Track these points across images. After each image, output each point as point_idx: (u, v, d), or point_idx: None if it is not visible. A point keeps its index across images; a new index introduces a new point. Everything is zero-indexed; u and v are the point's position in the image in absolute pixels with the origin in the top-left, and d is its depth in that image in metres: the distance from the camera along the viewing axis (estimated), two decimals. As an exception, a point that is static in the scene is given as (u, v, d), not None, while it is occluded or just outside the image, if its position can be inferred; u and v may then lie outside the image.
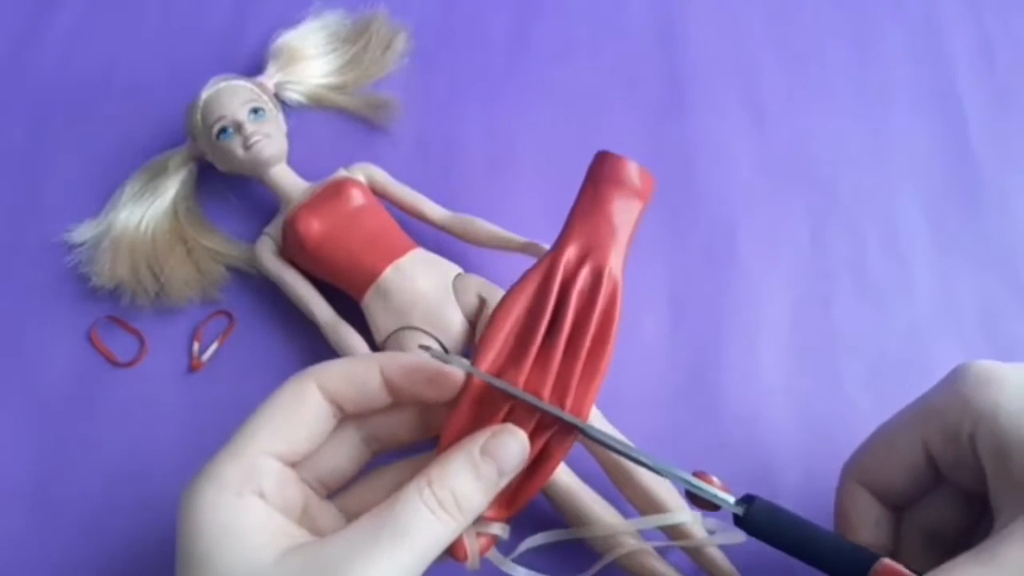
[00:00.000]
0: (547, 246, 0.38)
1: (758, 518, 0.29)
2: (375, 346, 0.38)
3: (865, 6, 0.50)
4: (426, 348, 0.29)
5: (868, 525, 0.30)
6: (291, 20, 0.47)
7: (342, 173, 0.41)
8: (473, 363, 0.28)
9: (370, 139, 0.46)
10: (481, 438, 0.27)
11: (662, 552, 0.35)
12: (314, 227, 0.38)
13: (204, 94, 0.41)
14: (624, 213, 0.30)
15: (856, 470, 0.31)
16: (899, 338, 0.41)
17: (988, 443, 0.26)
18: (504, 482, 0.27)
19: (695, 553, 0.34)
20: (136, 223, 0.42)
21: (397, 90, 0.47)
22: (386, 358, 0.28)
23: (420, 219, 0.41)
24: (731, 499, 0.29)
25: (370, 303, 0.38)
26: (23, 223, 0.44)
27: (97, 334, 0.41)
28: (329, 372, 0.28)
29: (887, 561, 0.26)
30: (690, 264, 0.43)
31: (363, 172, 0.42)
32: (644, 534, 0.35)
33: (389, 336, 0.38)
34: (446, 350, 0.37)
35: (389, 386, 0.28)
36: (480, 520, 0.27)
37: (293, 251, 0.40)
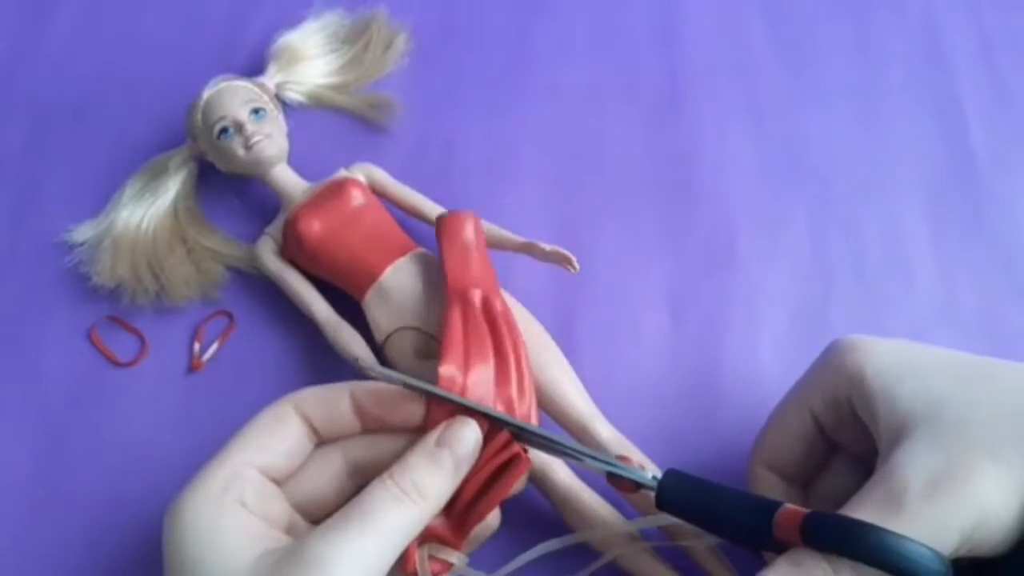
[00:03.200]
0: (546, 246, 0.39)
1: (671, 490, 0.30)
2: (375, 346, 0.38)
3: (865, 6, 0.50)
4: (356, 360, 0.34)
5: (765, 487, 0.32)
6: (291, 20, 0.47)
7: (342, 173, 0.41)
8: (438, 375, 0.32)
9: (370, 139, 0.46)
10: (435, 433, 0.29)
11: (660, 552, 0.35)
12: (315, 227, 0.38)
13: (205, 94, 0.41)
14: (478, 251, 0.37)
15: (759, 453, 0.33)
16: (899, 337, 0.41)
17: (861, 401, 0.29)
18: (462, 470, 0.29)
19: (694, 553, 0.34)
20: (136, 223, 0.42)
21: (397, 90, 0.47)
22: (358, 384, 0.30)
23: (420, 219, 0.41)
24: (648, 475, 0.30)
25: (370, 303, 0.38)
26: (23, 223, 0.44)
27: (97, 334, 0.41)
28: (304, 396, 0.30)
29: (788, 506, 0.27)
30: (690, 264, 0.43)
31: (363, 172, 0.42)
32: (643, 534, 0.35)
33: (389, 336, 0.38)
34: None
35: (358, 411, 0.30)
36: (436, 544, 0.30)
37: (293, 251, 0.40)
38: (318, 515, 0.30)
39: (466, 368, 0.33)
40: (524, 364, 0.35)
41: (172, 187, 0.43)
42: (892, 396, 0.28)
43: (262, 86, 0.43)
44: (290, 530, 0.29)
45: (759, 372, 0.40)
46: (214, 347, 0.40)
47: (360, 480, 0.30)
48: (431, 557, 0.30)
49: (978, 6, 0.50)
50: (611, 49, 0.49)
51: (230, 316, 0.41)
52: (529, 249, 0.39)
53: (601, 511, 0.35)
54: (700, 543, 0.34)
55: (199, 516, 0.27)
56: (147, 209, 0.42)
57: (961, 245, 0.43)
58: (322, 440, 0.30)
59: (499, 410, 0.33)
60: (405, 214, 0.42)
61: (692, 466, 0.36)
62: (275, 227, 0.41)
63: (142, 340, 0.41)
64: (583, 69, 0.48)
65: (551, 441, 0.30)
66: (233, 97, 0.41)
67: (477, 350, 0.34)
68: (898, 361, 0.29)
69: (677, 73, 0.48)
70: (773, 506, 0.28)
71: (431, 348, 0.37)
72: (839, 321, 0.41)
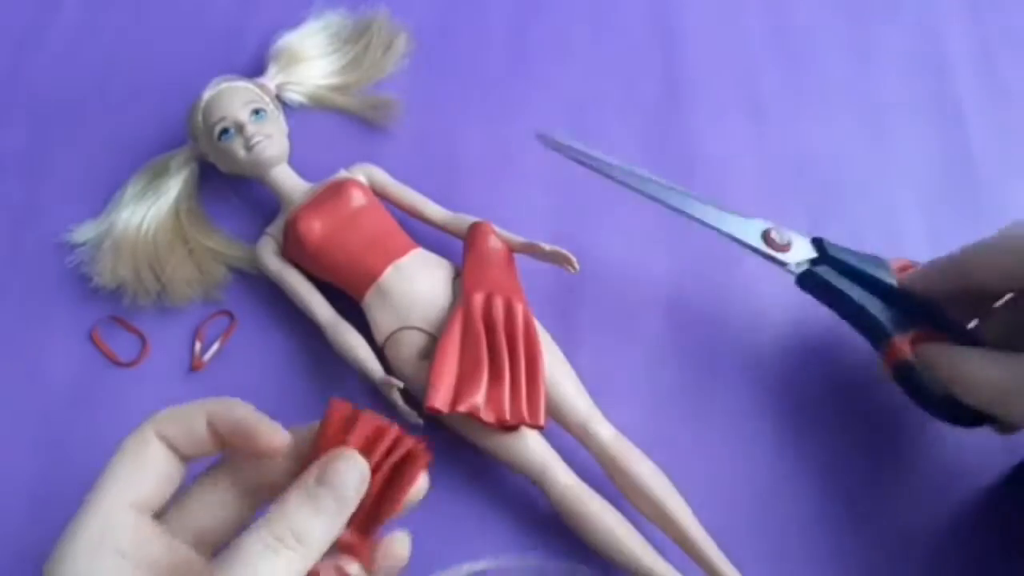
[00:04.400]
0: (546, 246, 0.39)
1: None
2: (375, 346, 0.38)
3: (864, 6, 0.50)
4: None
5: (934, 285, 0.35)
6: (292, 21, 0.47)
7: (343, 174, 0.42)
8: (425, 399, 0.34)
9: (370, 139, 0.46)
10: (316, 469, 0.26)
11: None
12: (315, 227, 0.39)
13: (205, 95, 0.41)
14: (500, 258, 0.39)
15: (962, 253, 0.34)
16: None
17: None
18: (347, 510, 0.25)
19: (695, 553, 0.34)
20: (138, 223, 0.42)
21: (397, 91, 0.47)
22: (216, 406, 0.27)
23: (420, 219, 0.41)
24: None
25: (370, 303, 0.38)
26: (24, 223, 0.44)
27: (99, 334, 0.41)
28: (162, 417, 0.27)
29: (895, 340, 0.35)
30: (690, 264, 0.43)
31: (364, 172, 0.42)
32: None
33: (389, 336, 0.38)
34: None
35: (214, 436, 0.27)
36: (340, 553, 0.27)
37: (294, 251, 0.40)
38: (215, 542, 0.27)
39: (458, 384, 0.35)
40: (526, 365, 0.36)
41: (173, 187, 0.43)
42: None
43: (263, 87, 0.43)
44: (179, 568, 0.26)
45: (759, 372, 0.40)
46: (215, 347, 0.40)
47: (254, 501, 0.28)
48: (337, 568, 0.27)
49: (978, 6, 0.50)
50: (611, 49, 0.49)
51: (231, 316, 0.41)
52: (529, 249, 0.39)
53: (602, 510, 0.35)
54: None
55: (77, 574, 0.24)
56: (148, 209, 0.42)
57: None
58: (187, 461, 0.28)
59: (488, 411, 0.35)
60: (405, 214, 0.42)
61: (691, 466, 0.37)
62: (276, 227, 0.41)
63: (143, 340, 0.41)
64: (583, 69, 0.48)
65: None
66: (234, 98, 0.41)
67: (472, 364, 0.35)
68: None
69: (677, 73, 0.48)
70: (885, 335, 0.35)
71: (431, 348, 0.37)
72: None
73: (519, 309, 0.37)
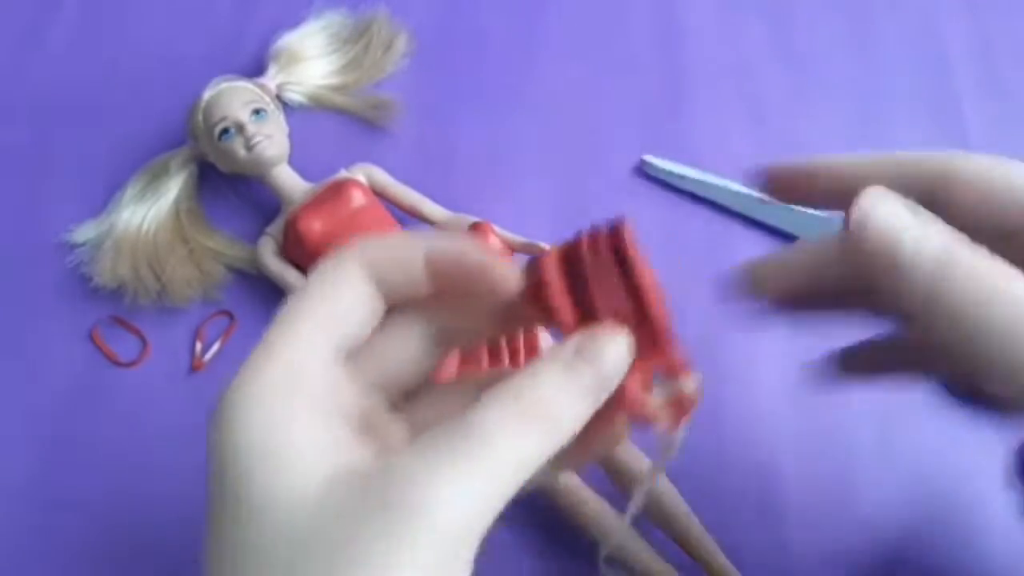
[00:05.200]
0: (546, 246, 0.39)
1: None
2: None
3: (864, 5, 0.50)
4: None
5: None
6: (292, 21, 0.47)
7: (343, 174, 0.42)
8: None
9: (370, 139, 0.46)
10: (574, 340, 0.21)
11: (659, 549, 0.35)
12: (315, 227, 0.39)
13: (206, 95, 0.41)
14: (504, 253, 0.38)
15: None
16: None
17: None
18: (605, 390, 0.21)
19: (695, 551, 0.34)
20: (138, 223, 0.42)
21: (397, 91, 0.47)
22: (438, 242, 0.23)
23: (420, 219, 0.41)
24: None
25: (371, 303, 0.38)
26: (25, 223, 0.44)
27: (99, 334, 0.41)
28: (372, 246, 0.23)
29: None
30: (690, 263, 0.43)
31: (364, 172, 0.42)
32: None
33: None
34: None
35: (434, 275, 0.23)
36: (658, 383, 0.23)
37: (294, 251, 0.40)
38: (400, 388, 0.24)
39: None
40: (525, 363, 0.35)
41: (173, 187, 0.43)
42: None
43: (263, 87, 0.43)
44: (369, 421, 0.22)
45: (759, 372, 0.40)
46: (215, 347, 0.40)
47: (449, 343, 0.24)
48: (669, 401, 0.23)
49: (978, 6, 0.50)
50: (611, 48, 0.49)
51: (231, 316, 0.41)
52: (529, 249, 0.39)
53: (601, 509, 0.35)
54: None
55: (252, 428, 0.20)
56: (148, 209, 0.42)
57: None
58: (391, 305, 0.23)
59: None
60: (406, 214, 0.42)
61: (691, 466, 0.37)
62: (276, 227, 0.41)
63: (143, 340, 0.41)
64: (583, 69, 0.48)
65: None
66: (234, 98, 0.41)
67: (471, 363, 0.35)
68: None
69: (677, 72, 0.48)
70: None
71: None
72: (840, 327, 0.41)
73: None
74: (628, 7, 0.50)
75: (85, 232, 0.43)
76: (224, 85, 0.42)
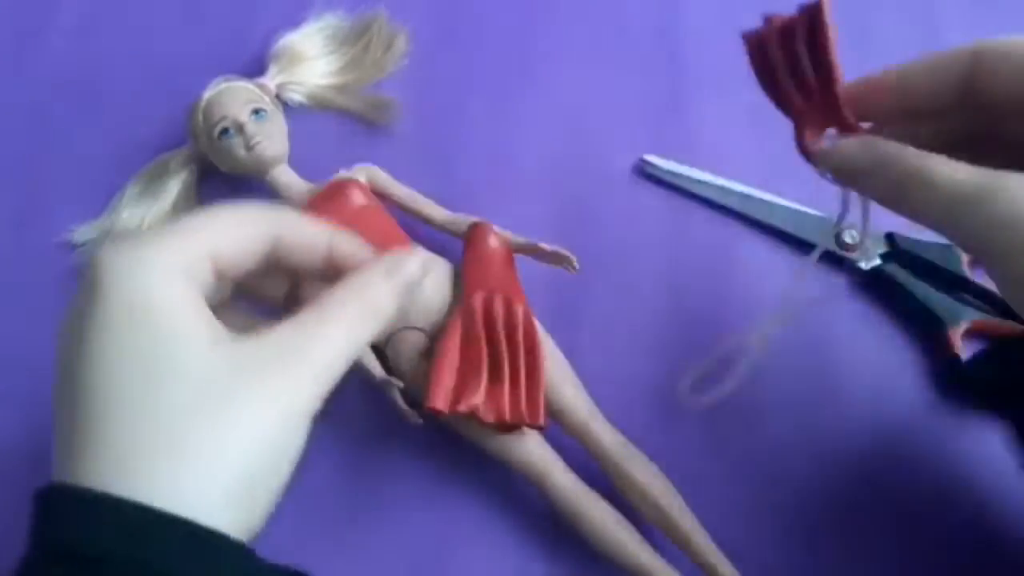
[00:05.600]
0: (546, 246, 0.39)
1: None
2: (375, 346, 0.38)
3: (865, 6, 0.50)
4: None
5: (932, 77, 0.29)
6: (292, 21, 0.47)
7: (343, 174, 0.42)
8: (425, 399, 0.34)
9: (370, 140, 0.46)
10: (388, 259, 0.29)
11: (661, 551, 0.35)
12: (315, 228, 0.39)
13: (205, 95, 0.41)
14: (500, 258, 0.39)
15: (979, 44, 0.28)
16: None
17: None
18: (411, 291, 0.29)
19: (694, 554, 0.34)
20: (138, 223, 0.42)
21: (397, 91, 0.47)
22: (339, 238, 0.29)
23: (420, 219, 0.41)
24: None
25: (371, 303, 0.38)
26: (25, 224, 0.44)
27: (99, 334, 0.41)
28: (285, 222, 0.28)
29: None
30: (690, 263, 0.43)
31: (364, 173, 0.42)
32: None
33: (389, 336, 0.38)
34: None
35: (329, 262, 0.29)
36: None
37: (294, 252, 0.40)
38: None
39: (458, 384, 0.35)
40: (526, 365, 0.36)
41: (173, 188, 0.43)
42: None
43: (263, 87, 0.43)
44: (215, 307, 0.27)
45: (757, 372, 0.40)
46: (215, 347, 0.40)
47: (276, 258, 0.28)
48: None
49: (978, 6, 0.50)
50: (611, 49, 0.49)
51: (231, 316, 0.41)
52: (529, 249, 0.39)
53: (602, 511, 0.35)
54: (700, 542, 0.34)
55: (161, 275, 0.24)
56: (148, 210, 0.42)
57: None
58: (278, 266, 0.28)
59: (488, 411, 0.35)
60: (406, 215, 0.42)
61: (692, 467, 0.37)
62: (276, 228, 0.41)
63: (144, 340, 0.41)
64: (583, 69, 0.48)
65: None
66: (234, 98, 0.41)
67: (472, 364, 0.35)
68: None
69: (677, 73, 0.48)
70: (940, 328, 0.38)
71: (431, 348, 0.37)
72: (839, 321, 0.41)
73: (519, 309, 0.37)
74: (628, 7, 0.50)
75: (85, 232, 0.43)
76: (224, 85, 0.42)
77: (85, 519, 0.22)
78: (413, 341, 0.37)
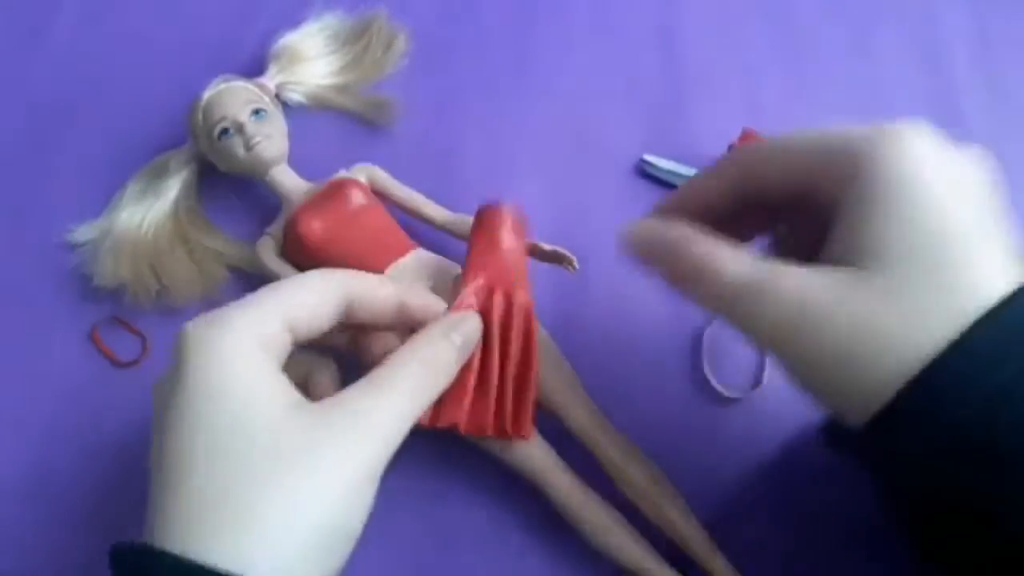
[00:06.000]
0: (546, 246, 0.39)
1: None
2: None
3: (865, 6, 0.50)
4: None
5: (710, 189, 0.31)
6: (292, 21, 0.47)
7: (343, 173, 0.42)
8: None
9: (370, 140, 0.46)
10: (448, 318, 0.32)
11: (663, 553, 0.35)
12: (315, 228, 0.38)
13: (205, 95, 0.41)
14: (515, 250, 0.36)
15: (744, 155, 0.30)
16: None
17: (864, 190, 0.26)
18: (469, 347, 0.32)
19: (696, 555, 0.34)
20: (137, 223, 0.42)
21: (397, 91, 0.47)
22: (408, 295, 0.31)
23: (421, 219, 0.41)
24: None
25: (371, 303, 0.38)
26: (24, 224, 0.44)
27: (99, 334, 0.41)
28: (354, 283, 0.30)
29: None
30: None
31: (364, 172, 0.42)
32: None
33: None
34: None
35: (398, 318, 0.31)
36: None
37: (294, 251, 0.40)
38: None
39: (444, 396, 0.32)
40: (518, 370, 0.35)
41: (173, 187, 0.43)
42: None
43: (262, 87, 0.43)
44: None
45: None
46: (215, 347, 0.40)
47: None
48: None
49: (978, 6, 0.50)
50: (611, 49, 0.49)
51: (231, 316, 0.41)
52: (529, 249, 0.39)
53: (602, 512, 0.35)
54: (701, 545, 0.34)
55: (235, 354, 0.26)
56: (148, 210, 0.42)
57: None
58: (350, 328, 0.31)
59: (470, 426, 0.34)
60: (406, 215, 0.42)
61: (693, 467, 0.37)
62: (276, 227, 0.41)
63: (144, 341, 0.41)
64: (583, 69, 0.48)
65: None
66: (233, 98, 0.41)
67: (461, 372, 0.33)
68: (931, 180, 0.26)
69: (677, 73, 0.48)
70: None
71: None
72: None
73: (519, 307, 0.35)
74: (628, 7, 0.50)
75: (85, 232, 0.42)
76: (224, 85, 0.42)
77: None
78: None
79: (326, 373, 0.31)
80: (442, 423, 0.33)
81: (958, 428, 0.23)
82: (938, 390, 0.23)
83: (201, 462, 0.24)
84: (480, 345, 0.34)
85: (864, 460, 0.27)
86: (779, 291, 0.26)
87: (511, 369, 0.34)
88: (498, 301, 0.35)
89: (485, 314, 0.34)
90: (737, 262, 0.27)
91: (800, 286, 0.26)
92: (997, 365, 0.23)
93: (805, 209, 0.29)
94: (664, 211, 0.31)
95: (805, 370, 0.26)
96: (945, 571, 0.28)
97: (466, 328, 0.32)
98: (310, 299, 0.29)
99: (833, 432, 0.28)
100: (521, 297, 0.35)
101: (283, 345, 0.28)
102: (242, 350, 0.26)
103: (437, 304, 0.32)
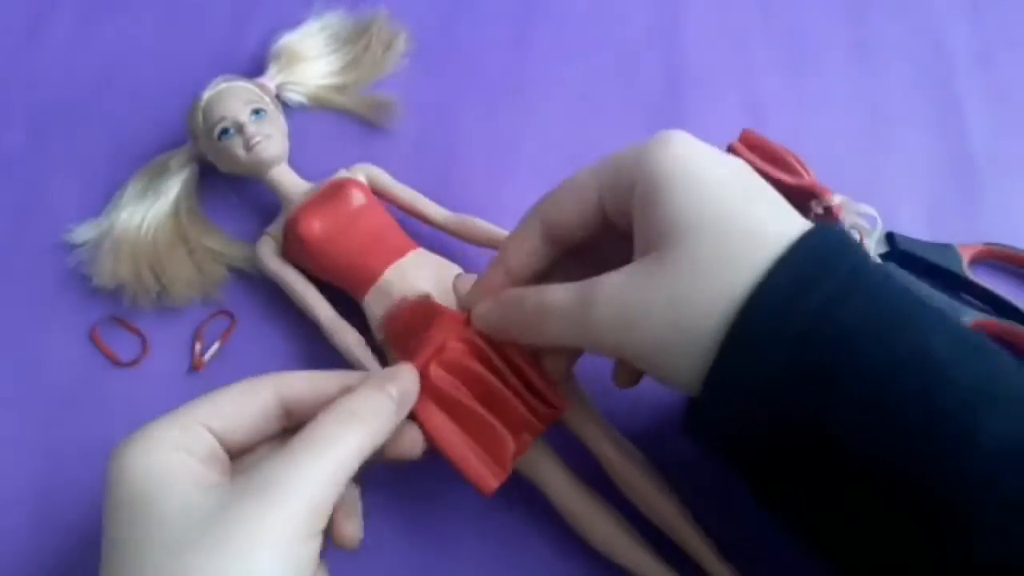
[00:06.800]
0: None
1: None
2: (375, 346, 0.38)
3: (865, 6, 0.50)
4: None
5: (522, 251, 0.33)
6: (292, 21, 0.47)
7: (343, 173, 0.42)
8: (477, 490, 0.32)
9: (370, 140, 0.46)
10: (381, 371, 0.31)
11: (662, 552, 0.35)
12: (315, 227, 0.38)
13: (205, 95, 0.41)
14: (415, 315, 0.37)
15: (539, 206, 0.33)
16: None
17: (641, 191, 0.29)
18: (406, 404, 0.30)
19: (694, 553, 0.34)
20: (137, 223, 0.42)
21: (397, 91, 0.47)
22: (347, 378, 0.30)
23: (420, 219, 0.41)
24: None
25: (371, 303, 0.38)
26: (24, 224, 0.44)
27: (99, 334, 0.41)
28: (290, 381, 0.30)
29: None
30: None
31: (364, 172, 0.42)
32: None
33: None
34: None
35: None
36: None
37: (294, 251, 0.40)
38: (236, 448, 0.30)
39: (487, 451, 0.32)
40: (515, 372, 0.33)
41: (173, 187, 0.43)
42: (664, 201, 0.28)
43: (262, 87, 0.43)
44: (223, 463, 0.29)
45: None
46: (215, 347, 0.40)
47: (288, 423, 0.30)
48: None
49: (978, 6, 0.50)
50: (611, 49, 0.49)
51: (231, 316, 0.41)
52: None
53: (602, 512, 0.35)
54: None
55: (148, 458, 0.26)
56: (148, 210, 0.42)
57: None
58: (292, 424, 0.30)
59: (524, 441, 0.33)
60: (405, 214, 0.42)
61: (692, 465, 0.37)
62: (276, 227, 0.41)
63: (143, 340, 0.41)
64: (583, 69, 0.48)
65: None
66: (234, 98, 0.41)
67: (475, 424, 0.32)
68: (695, 169, 0.28)
69: (677, 73, 0.48)
70: None
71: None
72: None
73: (467, 329, 0.33)
74: (628, 7, 0.50)
75: (85, 232, 0.42)
76: (224, 85, 0.42)
77: None
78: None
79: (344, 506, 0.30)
80: (511, 467, 0.32)
81: (778, 363, 0.25)
82: (751, 333, 0.26)
83: (135, 555, 0.25)
84: (459, 400, 0.32)
85: (713, 438, 0.29)
86: (600, 298, 0.28)
87: (511, 380, 0.33)
88: (453, 347, 0.32)
89: (447, 379, 0.32)
90: (563, 289, 0.30)
91: (615, 284, 0.28)
92: (800, 297, 0.25)
93: (616, 236, 0.31)
94: (489, 285, 0.33)
95: (645, 357, 0.28)
96: (792, 529, 0.30)
97: (401, 381, 0.30)
98: (233, 408, 0.29)
99: (687, 418, 0.29)
100: (456, 319, 0.34)
101: (206, 444, 0.28)
102: (159, 451, 0.26)
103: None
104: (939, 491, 0.24)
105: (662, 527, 0.35)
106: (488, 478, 0.32)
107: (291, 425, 0.30)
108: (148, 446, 0.27)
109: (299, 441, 0.27)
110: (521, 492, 0.37)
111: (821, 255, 0.26)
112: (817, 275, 0.26)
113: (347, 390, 0.29)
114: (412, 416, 0.31)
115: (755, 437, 0.27)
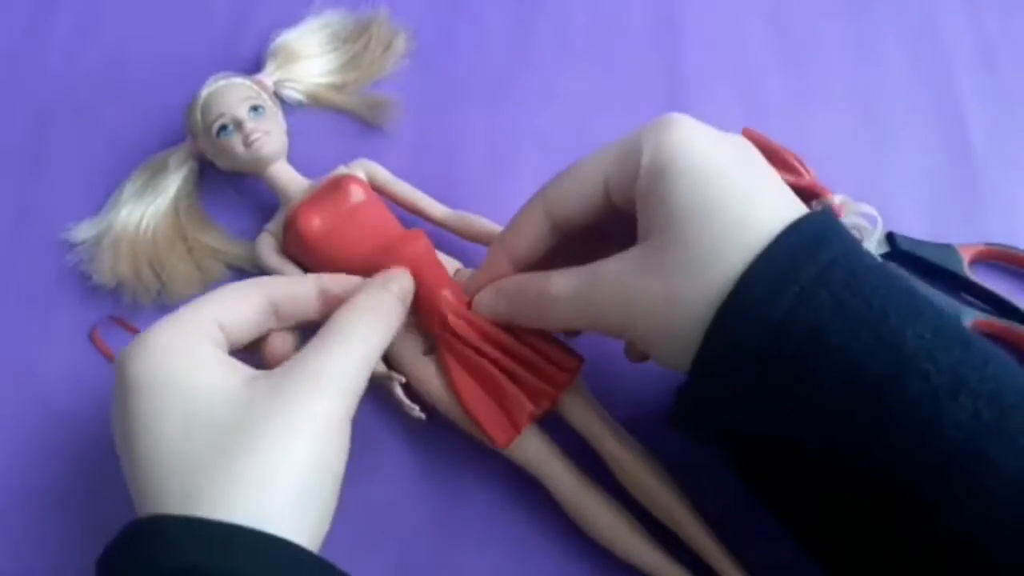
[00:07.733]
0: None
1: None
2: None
3: (865, 6, 0.50)
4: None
5: (526, 237, 0.33)
6: (291, 19, 0.47)
7: (342, 170, 0.42)
8: (488, 442, 0.35)
9: (370, 139, 0.46)
10: (383, 274, 0.34)
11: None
12: (314, 224, 0.38)
13: (204, 92, 0.41)
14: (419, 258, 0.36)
15: (543, 192, 0.33)
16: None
17: (644, 176, 0.29)
18: (407, 299, 0.33)
19: (698, 547, 0.34)
20: (137, 221, 0.42)
21: (397, 90, 0.47)
22: (327, 282, 0.33)
23: (420, 216, 0.41)
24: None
25: (370, 300, 0.38)
26: (23, 222, 0.44)
27: (98, 333, 0.41)
28: (273, 281, 0.32)
29: None
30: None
31: (363, 168, 0.42)
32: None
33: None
34: None
35: (322, 296, 0.32)
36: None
37: (294, 248, 0.40)
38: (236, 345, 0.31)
39: (503, 408, 0.35)
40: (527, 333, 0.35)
41: (172, 185, 0.43)
42: (665, 191, 0.28)
43: (260, 84, 0.43)
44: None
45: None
46: (214, 346, 0.40)
47: (283, 322, 0.32)
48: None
49: (978, 6, 0.50)
50: (611, 49, 0.49)
51: (230, 315, 0.41)
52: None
53: (606, 506, 0.35)
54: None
55: (174, 346, 0.28)
56: (147, 207, 0.42)
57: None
58: (280, 324, 0.32)
59: (541, 404, 0.34)
60: (405, 211, 0.42)
61: (694, 461, 0.37)
62: (275, 224, 0.41)
63: (142, 339, 0.41)
64: (583, 69, 0.48)
65: None
66: (232, 94, 0.41)
67: (491, 381, 0.35)
68: (695, 155, 0.29)
69: (677, 74, 0.48)
70: None
71: (432, 343, 0.37)
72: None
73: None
74: (628, 7, 0.50)
75: (84, 231, 0.42)
76: (222, 82, 0.42)
77: (178, 540, 0.25)
78: (414, 336, 0.37)
79: (280, 338, 0.32)
80: (524, 426, 0.34)
81: (754, 355, 0.26)
82: (728, 326, 0.26)
83: (176, 451, 0.26)
84: (477, 351, 0.35)
85: (696, 428, 0.30)
86: (602, 282, 0.29)
87: (525, 341, 0.35)
88: (458, 303, 0.35)
89: (463, 328, 0.35)
90: (564, 276, 0.31)
91: (616, 270, 0.29)
92: (777, 290, 0.26)
93: (618, 218, 0.31)
94: (492, 272, 0.34)
95: (646, 341, 0.29)
96: (778, 518, 0.30)
97: (400, 280, 0.33)
98: (236, 304, 0.30)
99: (676, 407, 0.30)
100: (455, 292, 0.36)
101: (222, 341, 0.29)
102: (181, 346, 0.28)
103: (357, 279, 0.33)
104: (902, 479, 0.25)
105: (663, 519, 0.34)
106: (501, 436, 0.34)
107: (279, 326, 0.32)
108: (177, 338, 0.28)
109: (333, 334, 0.29)
110: (525, 486, 0.37)
111: (804, 247, 0.27)
112: (796, 267, 0.26)
113: (322, 290, 0.32)
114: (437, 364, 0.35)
115: (734, 429, 0.28)
